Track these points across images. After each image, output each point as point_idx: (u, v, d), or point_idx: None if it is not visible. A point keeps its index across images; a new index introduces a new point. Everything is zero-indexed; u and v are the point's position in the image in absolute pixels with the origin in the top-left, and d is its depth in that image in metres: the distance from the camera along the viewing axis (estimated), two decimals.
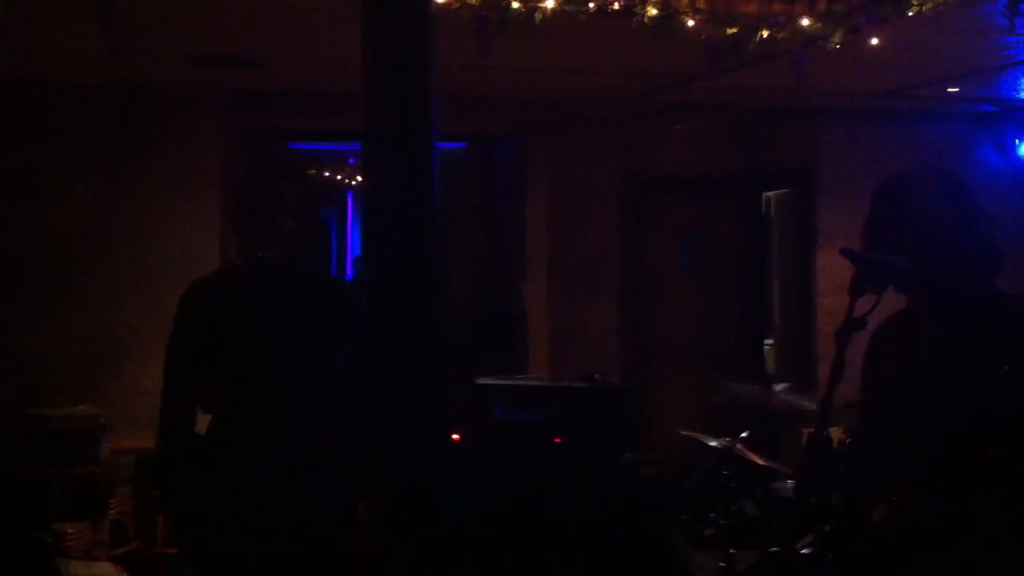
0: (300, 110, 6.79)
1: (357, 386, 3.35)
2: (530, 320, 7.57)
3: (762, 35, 4.24)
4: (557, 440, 4.78)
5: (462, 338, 7.61)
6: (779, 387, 6.24)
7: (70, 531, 5.29)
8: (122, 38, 5.06)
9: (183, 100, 6.45)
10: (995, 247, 2.67)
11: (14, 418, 5.69)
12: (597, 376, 5.20)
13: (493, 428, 4.77)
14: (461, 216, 8.08)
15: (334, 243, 11.13)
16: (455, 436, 4.80)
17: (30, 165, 6.31)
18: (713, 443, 5.44)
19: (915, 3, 3.99)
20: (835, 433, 2.90)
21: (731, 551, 5.25)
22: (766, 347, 8.19)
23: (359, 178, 10.56)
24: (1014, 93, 6.77)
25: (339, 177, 11.13)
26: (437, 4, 3.79)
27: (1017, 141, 7.51)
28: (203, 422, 3.58)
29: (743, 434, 5.44)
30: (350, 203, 12.11)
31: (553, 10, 4.07)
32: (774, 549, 4.70)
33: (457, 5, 3.86)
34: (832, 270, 6.75)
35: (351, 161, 10.38)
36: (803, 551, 3.68)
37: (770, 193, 8.16)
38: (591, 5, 4.11)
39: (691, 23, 4.18)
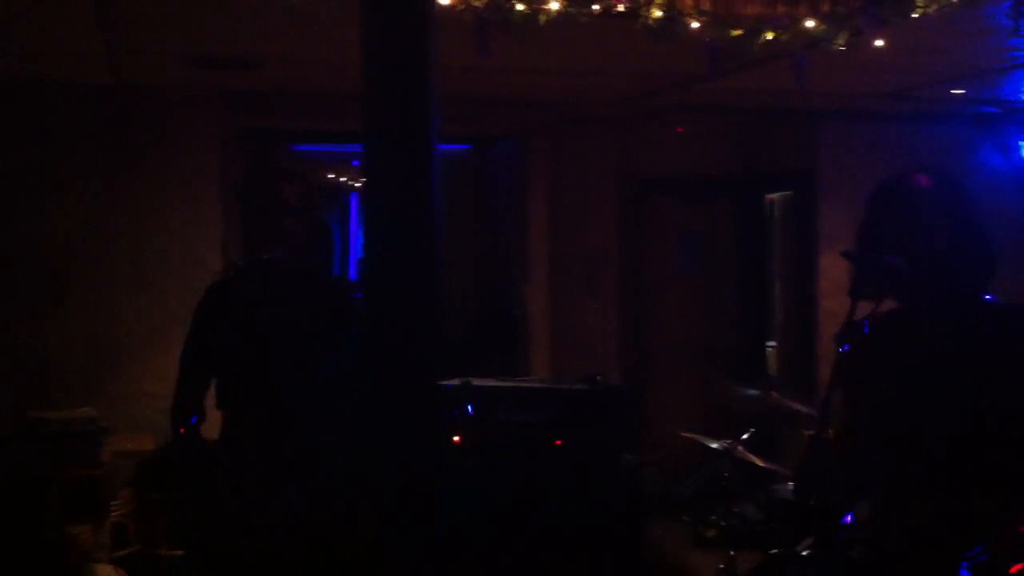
0: (301, 111, 6.78)
1: (358, 387, 3.34)
2: (530, 321, 7.56)
3: (765, 37, 4.23)
4: (558, 442, 4.77)
5: (462, 339, 7.60)
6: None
7: (75, 533, 5.28)
8: (121, 38, 5.05)
9: (183, 101, 6.44)
10: (991, 251, 2.66)
11: (14, 420, 5.69)
12: (598, 377, 5.19)
13: (493, 430, 4.75)
14: (461, 217, 8.08)
15: (338, 244, 11.13)
16: (455, 438, 4.79)
17: (30, 166, 6.31)
18: (714, 445, 5.44)
19: (919, 5, 3.97)
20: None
21: (732, 552, 5.25)
22: (768, 349, 8.18)
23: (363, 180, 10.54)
24: (1017, 95, 6.75)
25: (343, 179, 11.12)
26: (440, 5, 3.78)
27: (1019, 142, 7.50)
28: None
29: (744, 435, 5.44)
30: (354, 205, 12.10)
31: (557, 12, 4.05)
32: (775, 551, 4.69)
33: (461, 7, 3.84)
34: (833, 272, 6.74)
35: (354, 163, 10.37)
36: (804, 552, 3.68)
37: (773, 195, 8.15)
38: (595, 7, 4.09)
39: (695, 25, 4.17)
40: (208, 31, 4.99)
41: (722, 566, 5.31)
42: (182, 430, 3.55)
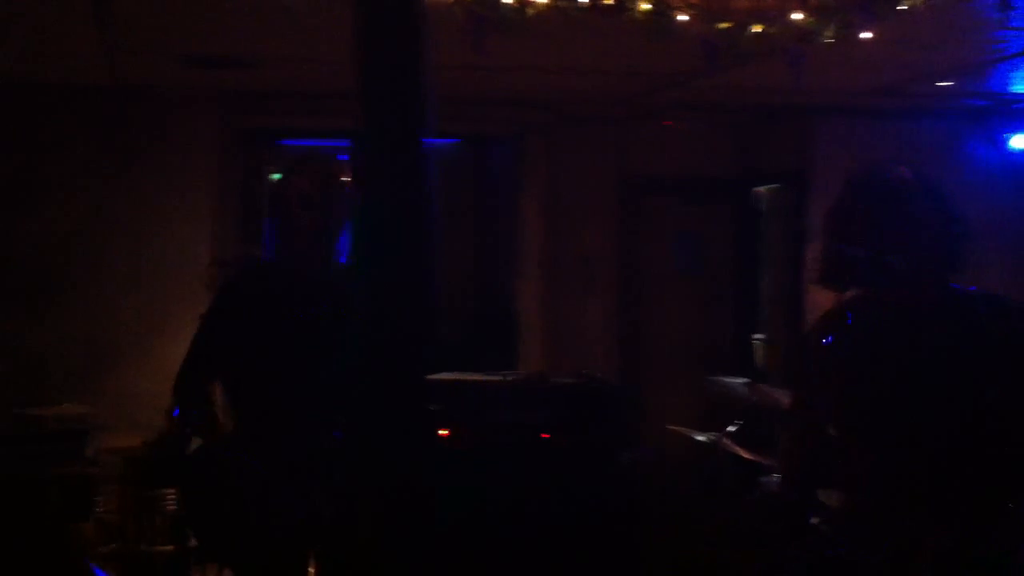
0: (297, 110, 6.77)
1: (352, 384, 3.33)
2: (524, 318, 7.57)
3: (754, 30, 4.23)
4: (545, 436, 4.77)
5: (457, 336, 7.59)
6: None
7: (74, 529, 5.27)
8: (118, 39, 5.04)
9: (178, 101, 6.43)
10: (961, 241, 2.67)
11: (5, 418, 5.67)
12: (591, 374, 5.19)
13: (484, 426, 4.75)
14: (456, 215, 8.06)
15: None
16: (444, 432, 4.79)
17: (26, 166, 6.30)
18: (701, 438, 5.45)
19: None
20: None
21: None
22: (756, 342, 8.20)
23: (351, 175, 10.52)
24: (1006, 87, 6.77)
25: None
26: (430, 2, 3.76)
27: (1007, 135, 7.52)
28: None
29: (730, 428, 5.45)
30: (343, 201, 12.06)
31: (546, 6, 4.05)
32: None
33: (450, 1, 3.84)
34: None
35: (340, 157, 10.34)
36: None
37: (763, 189, 8.16)
38: (583, 0, 4.09)
39: (683, 18, 4.17)
40: (204, 31, 4.98)
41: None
42: (175, 418, 3.55)
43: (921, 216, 2.65)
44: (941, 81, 6.36)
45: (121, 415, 5.95)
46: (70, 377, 6.16)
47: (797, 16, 4.22)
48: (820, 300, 2.80)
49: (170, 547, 5.48)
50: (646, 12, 4.11)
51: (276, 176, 3.62)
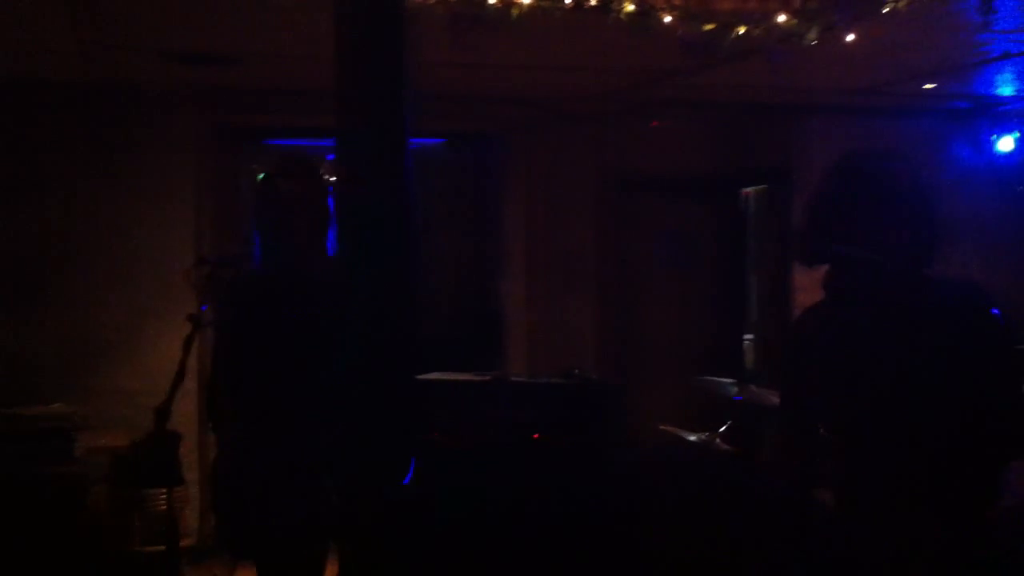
0: (277, 107, 6.75)
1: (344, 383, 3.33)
2: (508, 317, 7.57)
3: (738, 32, 4.26)
4: (535, 436, 4.77)
5: (441, 334, 7.59)
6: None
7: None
8: (96, 34, 5.03)
9: (158, 98, 6.41)
10: (937, 230, 2.69)
11: None
12: (576, 372, 5.20)
13: (472, 425, 4.76)
14: (439, 213, 8.07)
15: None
16: (433, 433, 4.79)
17: (3, 164, 6.26)
18: (691, 438, 5.46)
19: (889, 0, 4.00)
20: None
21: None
22: (745, 342, 8.22)
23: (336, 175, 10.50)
24: (989, 89, 6.81)
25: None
26: (413, 1, 3.78)
27: (992, 137, 7.56)
28: None
29: (721, 428, 5.46)
30: (329, 200, 12.05)
31: (529, 6, 4.06)
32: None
33: (433, 1, 3.85)
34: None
35: (329, 157, 10.34)
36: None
37: (748, 189, 8.19)
38: (567, 1, 4.11)
39: (667, 19, 4.19)
40: (183, 27, 4.97)
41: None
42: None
43: (901, 204, 2.66)
44: (924, 83, 6.39)
45: (105, 414, 5.94)
46: (53, 376, 6.14)
47: (780, 18, 4.25)
48: (808, 300, 2.81)
49: (161, 547, 5.48)
50: (631, 14, 4.13)
51: (261, 176, 3.59)
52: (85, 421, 5.72)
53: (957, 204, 2.79)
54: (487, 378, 5.13)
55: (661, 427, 5.77)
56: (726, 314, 8.19)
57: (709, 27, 4.25)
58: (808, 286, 2.94)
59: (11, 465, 5.35)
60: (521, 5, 3.99)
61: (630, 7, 4.12)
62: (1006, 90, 6.82)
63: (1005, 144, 7.51)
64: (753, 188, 8.15)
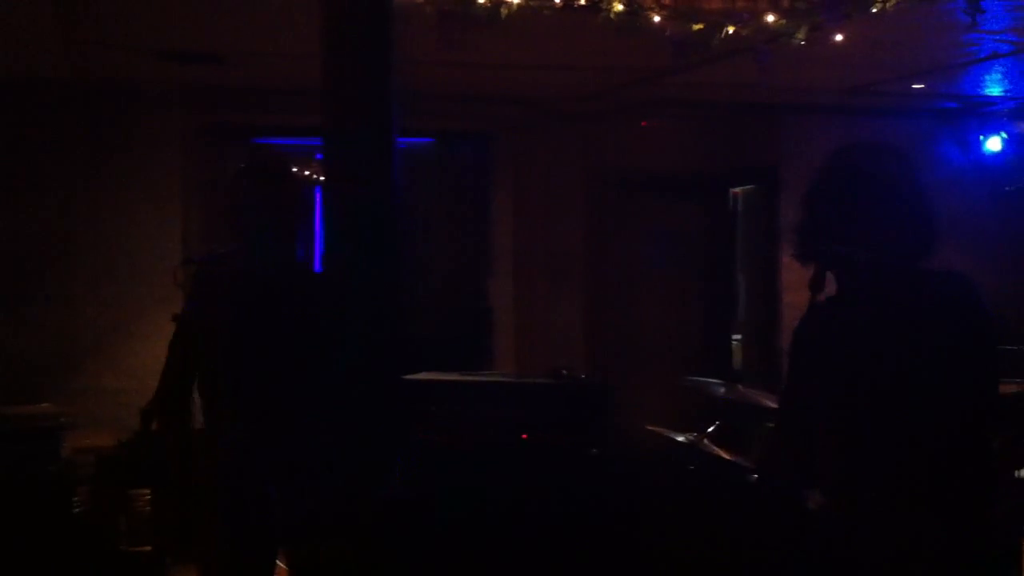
0: (265, 106, 6.74)
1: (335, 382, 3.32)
2: (497, 316, 7.56)
3: (727, 31, 4.26)
4: (523, 436, 4.77)
5: (428, 333, 7.58)
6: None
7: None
8: (87, 33, 5.01)
9: (147, 97, 6.39)
10: (933, 224, 2.68)
11: None
12: (565, 372, 5.18)
13: (458, 425, 4.75)
14: (429, 212, 8.05)
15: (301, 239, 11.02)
16: (420, 432, 4.78)
17: None
18: (680, 438, 5.45)
19: (878, 0, 4.01)
20: None
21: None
22: (733, 343, 8.23)
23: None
24: (976, 90, 6.82)
25: (306, 173, 11.05)
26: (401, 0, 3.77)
27: (980, 137, 7.57)
28: None
29: (709, 429, 5.46)
30: (318, 199, 12.02)
31: (519, 5, 4.06)
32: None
33: (421, 1, 3.84)
34: (797, 266, 6.76)
35: (318, 156, 10.31)
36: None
37: (737, 189, 8.19)
38: (557, 0, 4.10)
39: (656, 19, 4.19)
40: (170, 25, 4.96)
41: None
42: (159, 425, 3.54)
43: (899, 198, 2.65)
44: (913, 82, 6.41)
45: (91, 414, 5.91)
46: (39, 376, 6.11)
47: (769, 18, 4.25)
48: (797, 300, 2.81)
49: (147, 547, 5.46)
50: (620, 13, 4.13)
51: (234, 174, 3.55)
52: (72, 421, 5.69)
53: (944, 204, 2.77)
54: (476, 378, 5.12)
55: (649, 427, 5.76)
56: (715, 314, 8.19)
57: (698, 27, 4.25)
58: (797, 285, 2.94)
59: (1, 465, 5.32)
60: (511, 4, 3.99)
61: (619, 7, 4.12)
62: (994, 90, 6.84)
63: (993, 144, 7.53)
64: (742, 188, 8.16)
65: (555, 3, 4.07)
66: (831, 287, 2.71)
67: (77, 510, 5.52)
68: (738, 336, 8.23)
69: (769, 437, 2.92)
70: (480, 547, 4.45)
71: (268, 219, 3.36)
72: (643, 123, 7.63)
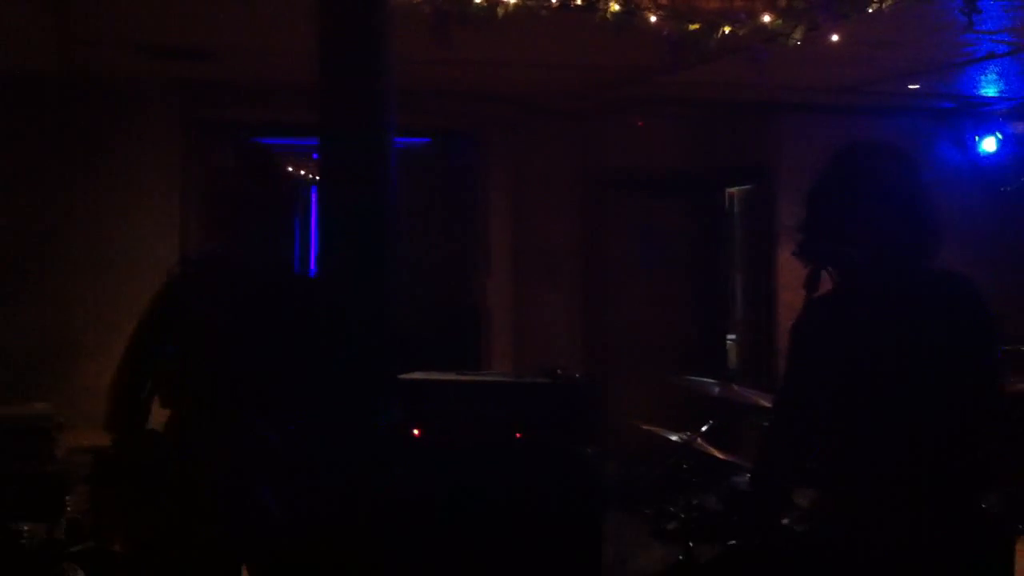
0: (261, 103, 6.73)
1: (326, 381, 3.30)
2: (491, 315, 7.56)
3: (723, 31, 4.26)
4: (518, 435, 4.77)
5: (423, 332, 7.58)
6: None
7: (25, 529, 5.22)
8: (75, 26, 4.99)
9: (139, 92, 6.38)
10: (937, 225, 2.68)
11: None
12: (558, 371, 5.19)
13: (453, 424, 4.75)
14: (422, 210, 8.05)
15: (297, 238, 11.03)
16: (415, 432, 4.78)
17: None
18: (674, 437, 5.45)
19: (874, 0, 4.01)
20: None
21: (691, 544, 5.28)
22: (728, 342, 8.23)
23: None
24: (973, 89, 6.83)
25: (302, 172, 11.05)
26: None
27: (976, 137, 7.58)
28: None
29: (703, 428, 5.46)
30: (314, 198, 12.03)
31: (515, 5, 4.05)
32: (733, 543, 4.72)
33: (419, 0, 3.83)
34: (793, 265, 6.68)
35: (316, 156, 10.30)
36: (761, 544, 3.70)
37: (733, 189, 8.20)
38: (553, 0, 4.10)
39: (653, 19, 4.18)
40: (164, 20, 4.95)
41: (681, 558, 5.33)
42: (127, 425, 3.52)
43: (901, 197, 2.65)
44: (908, 82, 6.41)
45: (87, 413, 5.89)
46: (34, 375, 6.10)
47: (766, 18, 4.25)
48: (792, 299, 2.80)
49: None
50: (616, 13, 4.13)
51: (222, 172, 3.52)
52: (67, 420, 5.68)
53: (940, 204, 2.77)
54: (471, 378, 5.12)
55: (643, 426, 5.77)
56: (710, 313, 8.20)
57: (694, 26, 4.25)
58: (793, 285, 2.95)
59: None
60: (507, 4, 3.98)
61: (616, 6, 4.12)
62: (989, 90, 6.84)
63: (988, 144, 7.54)
64: (738, 187, 8.16)
65: (551, 2, 4.07)
66: (826, 285, 2.71)
67: (73, 509, 5.51)
68: (733, 335, 8.23)
69: (764, 435, 2.91)
70: (466, 544, 4.45)
71: (260, 219, 3.33)
72: (639, 122, 7.63)
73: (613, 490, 6.24)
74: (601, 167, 7.80)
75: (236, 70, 6.14)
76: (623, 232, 7.99)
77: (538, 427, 4.72)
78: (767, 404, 5.49)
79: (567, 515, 4.60)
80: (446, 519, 4.48)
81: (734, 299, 8.26)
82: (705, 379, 5.90)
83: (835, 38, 4.46)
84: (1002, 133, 7.51)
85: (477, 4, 3.98)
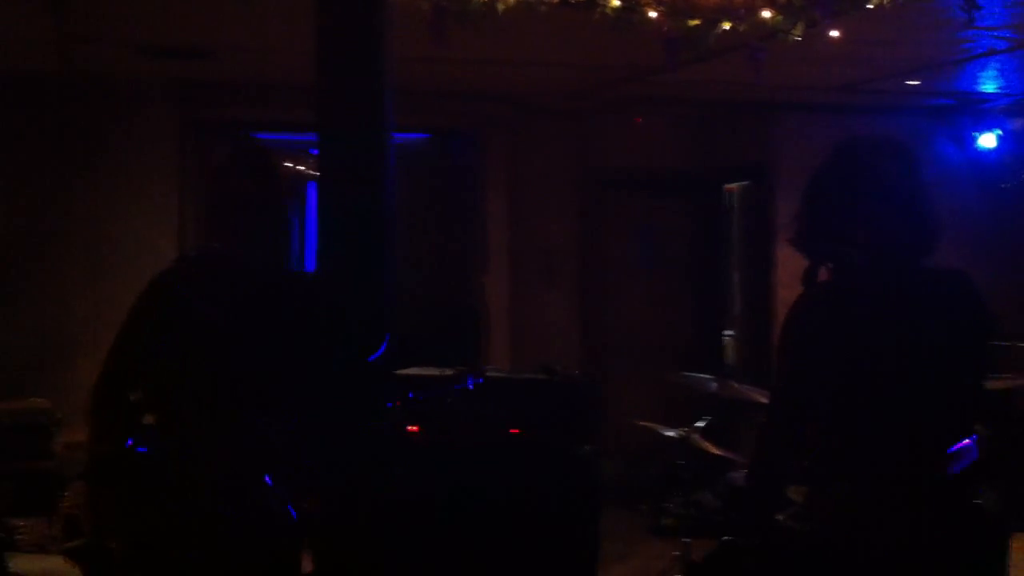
0: (259, 101, 6.72)
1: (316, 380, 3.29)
2: (489, 313, 7.56)
3: (723, 28, 4.24)
4: (514, 431, 4.77)
5: (421, 331, 7.57)
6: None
7: (22, 525, 5.22)
8: (74, 26, 4.98)
9: (137, 91, 6.38)
10: (935, 221, 2.68)
11: None
12: (556, 368, 5.19)
13: (450, 421, 4.74)
14: (420, 209, 8.04)
15: (295, 236, 11.03)
16: (413, 428, 4.78)
17: None
18: (670, 433, 5.46)
19: None
20: None
21: (687, 540, 5.28)
22: (725, 339, 8.23)
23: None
24: (972, 86, 6.82)
25: (300, 168, 11.04)
26: None
27: (975, 134, 7.58)
28: None
29: (699, 423, 5.46)
30: (311, 195, 12.02)
31: (514, 2, 4.04)
32: (729, 539, 4.72)
33: None
34: (790, 263, 6.70)
35: (313, 152, 10.30)
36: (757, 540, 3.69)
37: (731, 186, 8.20)
38: None
39: (653, 15, 4.17)
40: (163, 20, 4.94)
41: (677, 553, 5.34)
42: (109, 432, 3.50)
43: (900, 193, 2.65)
44: (908, 79, 6.40)
45: (77, 409, 5.89)
46: (29, 371, 6.10)
47: (765, 14, 4.23)
48: (790, 296, 2.79)
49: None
50: (616, 9, 4.11)
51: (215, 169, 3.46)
52: (65, 417, 5.68)
53: (939, 201, 2.77)
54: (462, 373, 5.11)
55: (641, 423, 5.77)
56: (708, 310, 8.20)
57: (694, 23, 4.24)
58: (790, 282, 2.94)
59: None
60: (506, 1, 3.97)
61: (615, 3, 4.10)
62: (989, 87, 6.84)
63: (987, 141, 7.54)
64: (736, 184, 8.16)
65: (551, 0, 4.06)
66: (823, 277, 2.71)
67: (69, 506, 5.51)
68: (731, 332, 8.24)
69: (761, 431, 2.91)
70: (462, 543, 4.45)
71: (252, 216, 3.29)
72: (637, 120, 7.63)
73: (611, 487, 6.24)
74: (600, 166, 7.80)
75: (235, 69, 6.13)
76: (621, 230, 8.00)
77: (536, 425, 4.72)
78: (764, 401, 5.49)
79: (565, 513, 4.60)
80: (444, 518, 4.48)
81: (732, 297, 8.26)
82: (703, 376, 5.91)
83: (834, 35, 4.45)
84: (1002, 130, 7.51)
85: (476, 2, 3.97)
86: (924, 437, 2.60)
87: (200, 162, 6.75)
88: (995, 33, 5.10)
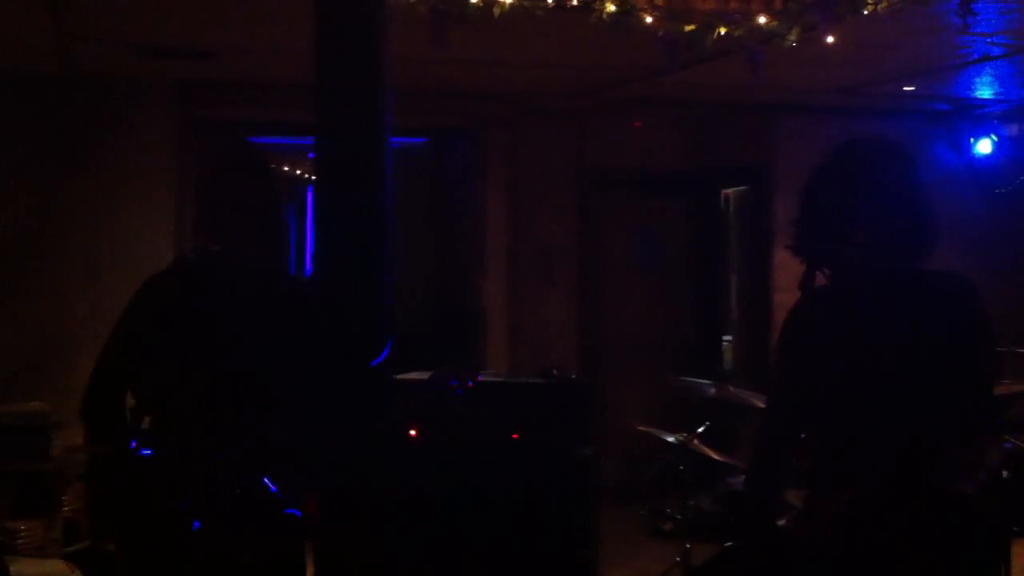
0: (257, 102, 6.73)
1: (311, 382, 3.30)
2: (487, 314, 7.57)
3: (719, 32, 4.26)
4: (515, 436, 4.77)
5: (419, 332, 7.58)
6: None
7: (22, 528, 5.22)
8: (73, 26, 4.99)
9: (136, 91, 6.38)
10: (934, 224, 2.69)
11: None
12: (554, 371, 5.19)
13: (449, 424, 4.75)
14: (418, 210, 8.06)
15: (293, 239, 11.04)
16: (413, 432, 4.78)
17: None
18: (670, 438, 5.46)
19: (870, 1, 4.02)
20: None
21: (687, 545, 5.29)
22: (724, 343, 8.24)
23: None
24: (968, 92, 6.84)
25: (298, 171, 11.05)
26: None
27: (972, 139, 7.59)
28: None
29: (699, 428, 5.47)
30: (310, 198, 12.03)
31: (512, 4, 4.06)
32: (729, 543, 4.73)
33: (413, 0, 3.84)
34: (788, 266, 6.72)
35: (311, 155, 10.30)
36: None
37: (729, 190, 8.21)
38: (549, 0, 4.11)
39: (648, 19, 4.19)
40: (162, 20, 4.95)
41: (678, 558, 5.34)
42: (100, 432, 3.51)
43: (897, 196, 2.65)
44: (904, 84, 6.42)
45: (76, 412, 5.89)
46: (30, 373, 6.10)
47: (761, 19, 4.25)
48: (787, 300, 2.80)
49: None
50: (612, 14, 4.13)
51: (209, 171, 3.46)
52: (63, 419, 5.68)
53: (936, 206, 2.78)
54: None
55: (639, 427, 5.78)
56: (706, 314, 8.21)
57: (690, 27, 4.26)
58: (788, 286, 2.95)
59: None
60: (503, 4, 3.99)
61: (611, 7, 4.12)
62: (985, 93, 6.86)
63: (983, 146, 7.56)
64: (734, 188, 8.18)
65: (547, 3, 4.07)
66: (820, 281, 2.72)
67: (67, 508, 5.51)
68: (729, 336, 8.24)
69: (759, 435, 2.91)
70: (462, 545, 4.46)
71: (248, 217, 3.28)
72: (635, 122, 7.64)
73: (610, 490, 6.25)
74: (598, 167, 7.81)
75: (234, 69, 6.14)
76: (620, 232, 8.01)
77: (535, 427, 4.73)
78: (762, 405, 5.50)
79: (564, 515, 4.61)
80: (443, 519, 4.49)
81: (730, 300, 8.27)
82: (701, 380, 5.91)
83: (831, 40, 4.46)
84: (997, 135, 7.52)
85: (473, 3, 3.99)
86: (922, 439, 2.60)
87: (198, 163, 6.76)
88: (990, 39, 5.12)
